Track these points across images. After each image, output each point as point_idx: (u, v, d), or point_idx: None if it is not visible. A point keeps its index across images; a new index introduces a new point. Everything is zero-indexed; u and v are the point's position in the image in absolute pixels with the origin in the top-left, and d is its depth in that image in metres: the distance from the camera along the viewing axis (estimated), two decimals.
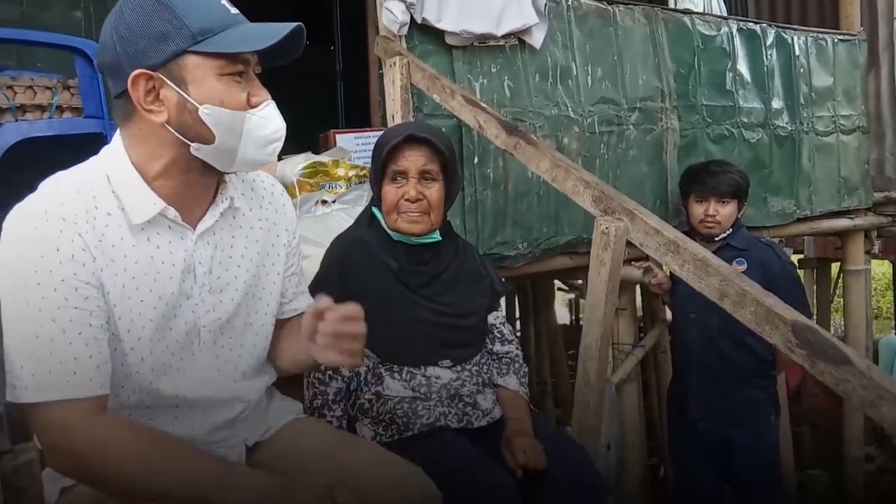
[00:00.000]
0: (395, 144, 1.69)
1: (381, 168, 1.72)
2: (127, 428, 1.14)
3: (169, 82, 1.14)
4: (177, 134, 1.16)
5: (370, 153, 3.61)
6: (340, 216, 2.17)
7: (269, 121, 1.20)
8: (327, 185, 2.16)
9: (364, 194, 2.28)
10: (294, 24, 1.17)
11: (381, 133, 3.48)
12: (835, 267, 5.98)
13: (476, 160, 2.60)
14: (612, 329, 2.35)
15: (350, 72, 5.44)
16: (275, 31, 1.16)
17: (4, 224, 1.16)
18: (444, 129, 2.55)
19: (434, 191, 1.72)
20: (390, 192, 1.72)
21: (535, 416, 1.81)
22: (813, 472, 4.39)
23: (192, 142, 1.16)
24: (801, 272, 5.80)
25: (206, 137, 1.16)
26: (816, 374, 1.33)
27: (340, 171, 2.16)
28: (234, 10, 1.19)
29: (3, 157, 2.36)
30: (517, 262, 2.78)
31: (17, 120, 2.46)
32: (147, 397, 1.22)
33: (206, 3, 1.16)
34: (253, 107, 1.19)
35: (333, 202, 2.16)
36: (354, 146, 3.67)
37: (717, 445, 2.89)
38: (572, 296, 7.25)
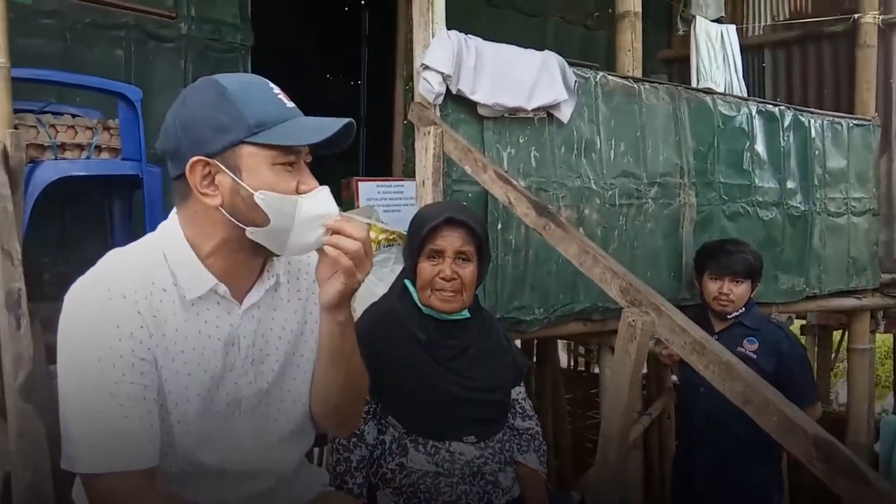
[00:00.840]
0: (434, 225, 1.74)
1: (418, 245, 1.78)
2: None
3: (224, 169, 1.20)
4: (229, 216, 1.22)
5: (390, 203, 3.71)
6: (369, 278, 2.21)
7: (320, 203, 1.25)
8: None
9: (391, 257, 2.33)
10: (346, 121, 1.23)
11: (402, 182, 3.57)
12: (836, 334, 6.07)
13: (500, 226, 2.66)
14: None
15: (373, 117, 5.52)
16: (326, 127, 1.22)
17: (67, 298, 1.21)
18: (470, 195, 2.63)
19: (468, 271, 1.78)
20: (426, 269, 1.77)
21: (551, 495, 1.84)
22: None
23: (245, 225, 1.21)
24: (802, 338, 5.88)
25: (259, 221, 1.21)
26: (834, 489, 1.37)
27: (371, 235, 2.21)
28: (289, 104, 1.25)
29: (41, 194, 2.41)
30: (532, 326, 2.82)
31: (56, 158, 2.52)
32: (188, 467, 1.26)
33: (263, 97, 1.23)
34: (301, 194, 1.24)
35: None
36: (376, 194, 3.73)
37: None
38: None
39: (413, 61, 2.62)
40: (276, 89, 1.25)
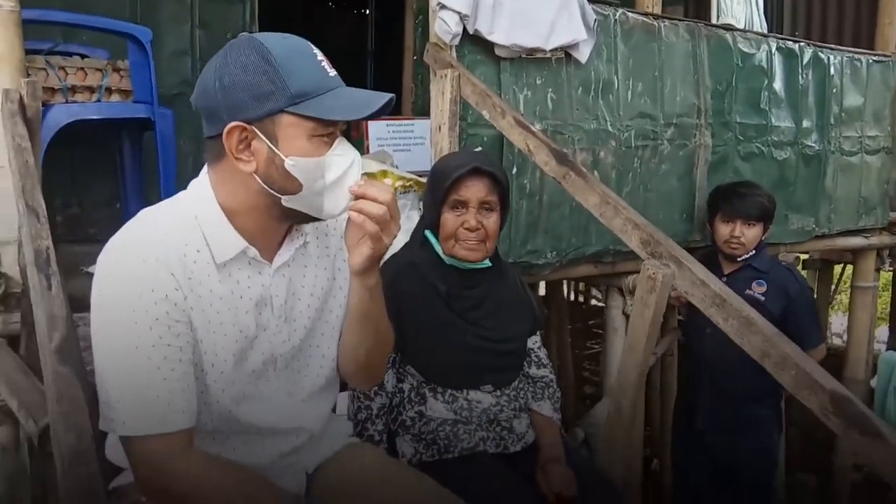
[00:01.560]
0: (459, 175, 1.73)
1: (441, 196, 1.77)
2: (217, 467, 1.21)
3: (262, 136, 1.18)
4: (262, 184, 1.21)
5: (400, 143, 3.67)
6: None
7: (344, 155, 1.25)
8: None
9: (408, 204, 2.33)
10: (387, 96, 1.22)
11: (413, 121, 3.52)
12: (837, 268, 6.14)
13: (514, 170, 2.65)
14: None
15: (381, 51, 5.38)
16: (368, 101, 1.20)
17: (99, 261, 1.22)
18: (485, 139, 2.60)
19: (492, 220, 1.78)
20: (450, 219, 1.77)
21: (565, 442, 1.89)
22: (801, 476, 4.53)
23: (279, 193, 1.21)
24: (804, 272, 5.93)
25: (292, 188, 1.21)
26: (848, 443, 1.41)
27: (388, 181, 2.19)
28: (332, 73, 1.22)
29: (53, 138, 2.38)
30: (544, 269, 2.85)
31: (66, 101, 2.48)
32: (224, 425, 1.29)
33: (307, 65, 1.19)
34: None
35: None
36: (386, 133, 3.68)
37: (721, 457, 3.01)
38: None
39: None
40: (320, 55, 1.22)
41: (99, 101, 2.55)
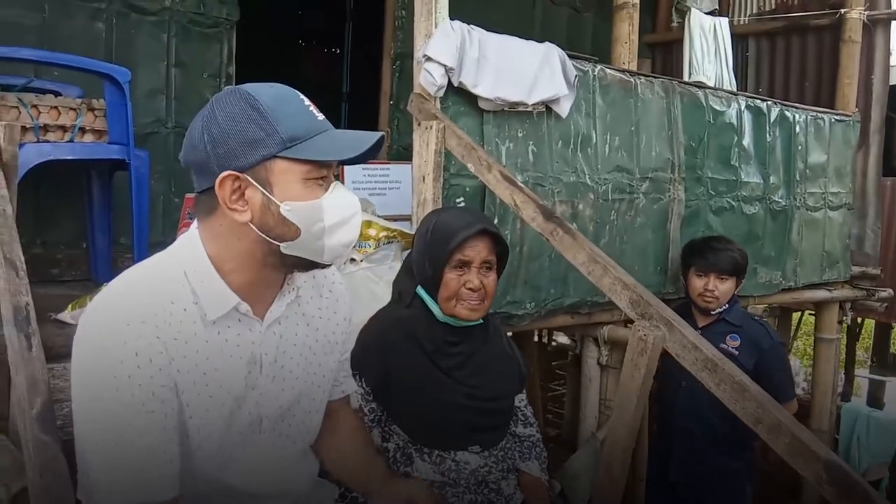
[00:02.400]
0: (466, 237, 1.72)
1: (445, 256, 1.74)
2: None
3: (255, 184, 1.15)
4: (259, 232, 1.18)
5: (376, 187, 3.64)
6: (367, 275, 2.19)
7: (342, 197, 1.22)
8: (358, 244, 2.18)
9: (390, 254, 2.30)
10: (378, 135, 1.21)
11: (388, 165, 3.50)
12: (795, 316, 6.32)
13: (496, 221, 2.63)
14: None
15: (356, 93, 5.40)
16: (359, 141, 1.19)
17: (81, 321, 1.16)
18: (467, 189, 2.60)
19: (491, 280, 1.77)
20: (453, 279, 1.74)
21: (552, 502, 1.86)
22: None
23: (277, 241, 1.18)
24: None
25: (290, 234, 1.18)
26: None
27: (371, 232, 2.19)
28: (320, 117, 1.21)
29: (22, 178, 2.31)
30: (523, 321, 2.83)
31: (38, 140, 2.41)
32: (208, 489, 1.23)
33: (296, 110, 1.18)
34: None
35: (361, 261, 2.18)
36: (362, 177, 3.66)
37: None
38: None
39: (409, 45, 2.55)
40: (307, 101, 1.21)
41: (72, 140, 2.49)
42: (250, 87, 1.18)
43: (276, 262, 1.21)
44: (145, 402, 1.10)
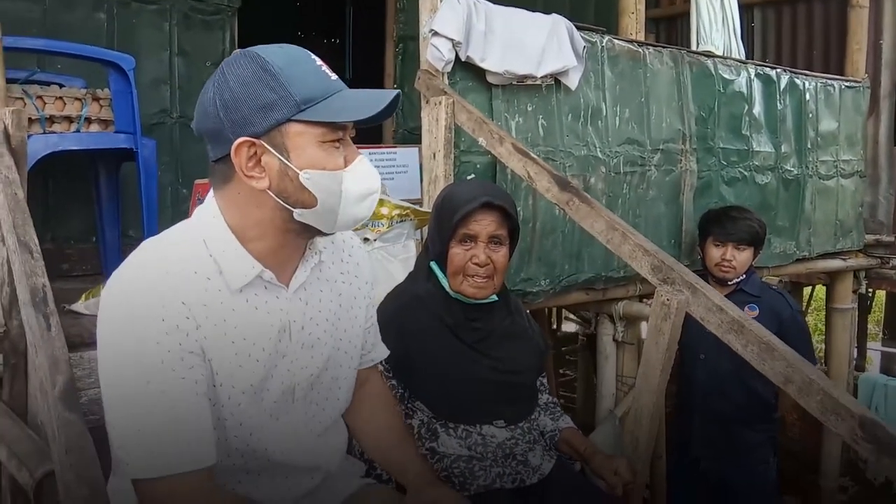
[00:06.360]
0: (469, 210, 1.68)
1: (450, 230, 1.70)
2: None
3: (271, 149, 1.13)
4: (277, 199, 1.15)
5: (383, 171, 3.62)
6: (381, 254, 2.17)
7: (364, 175, 1.20)
8: (371, 223, 2.15)
9: (404, 233, 2.27)
10: (394, 93, 1.18)
11: (395, 149, 3.48)
12: (806, 290, 6.28)
13: None
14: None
15: (360, 77, 5.36)
16: (375, 100, 1.16)
17: (104, 294, 1.14)
18: (478, 166, 2.57)
19: (501, 255, 1.72)
20: (458, 254, 1.71)
21: (566, 467, 1.85)
22: (787, 499, 4.52)
23: (294, 207, 1.15)
24: None
25: (308, 202, 1.15)
26: (879, 468, 1.38)
27: (384, 210, 2.16)
28: (333, 77, 1.18)
29: (30, 170, 2.29)
30: (538, 298, 2.80)
31: (45, 131, 2.39)
32: (240, 460, 1.21)
33: (308, 70, 1.15)
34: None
35: (375, 240, 2.15)
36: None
37: (717, 484, 2.98)
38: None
39: (411, 27, 2.51)
40: (319, 60, 1.18)
41: (78, 131, 2.46)
42: (261, 49, 1.16)
43: (298, 228, 1.19)
44: (175, 369, 1.09)
